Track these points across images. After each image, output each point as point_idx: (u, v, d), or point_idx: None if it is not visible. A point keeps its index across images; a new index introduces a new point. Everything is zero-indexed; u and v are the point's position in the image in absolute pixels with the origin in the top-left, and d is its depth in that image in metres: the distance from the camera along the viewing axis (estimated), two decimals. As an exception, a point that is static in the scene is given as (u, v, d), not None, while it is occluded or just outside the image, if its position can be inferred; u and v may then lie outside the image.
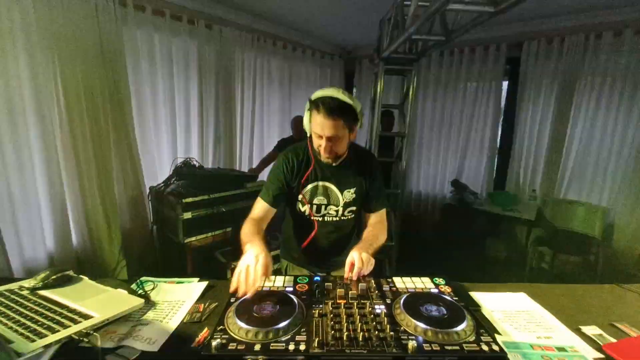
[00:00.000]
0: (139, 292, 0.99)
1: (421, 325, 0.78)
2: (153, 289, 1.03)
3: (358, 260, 1.04)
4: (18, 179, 1.88)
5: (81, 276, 0.91)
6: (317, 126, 1.12)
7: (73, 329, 0.71)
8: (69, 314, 0.76)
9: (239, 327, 0.77)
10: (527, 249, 3.00)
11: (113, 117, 2.27)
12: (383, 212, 1.36)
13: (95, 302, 0.79)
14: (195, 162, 2.51)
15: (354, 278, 1.04)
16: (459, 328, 0.78)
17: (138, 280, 1.06)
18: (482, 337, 0.77)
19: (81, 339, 0.69)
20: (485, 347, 0.74)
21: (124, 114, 2.31)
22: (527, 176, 3.32)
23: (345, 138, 1.17)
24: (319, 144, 1.16)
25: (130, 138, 2.37)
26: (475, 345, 0.74)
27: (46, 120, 1.96)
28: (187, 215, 2.18)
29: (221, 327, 0.79)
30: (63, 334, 0.69)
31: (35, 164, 1.96)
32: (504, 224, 3.28)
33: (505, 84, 3.45)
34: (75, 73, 2.04)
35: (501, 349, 0.74)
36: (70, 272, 0.90)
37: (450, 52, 3.49)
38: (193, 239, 2.22)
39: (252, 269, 0.90)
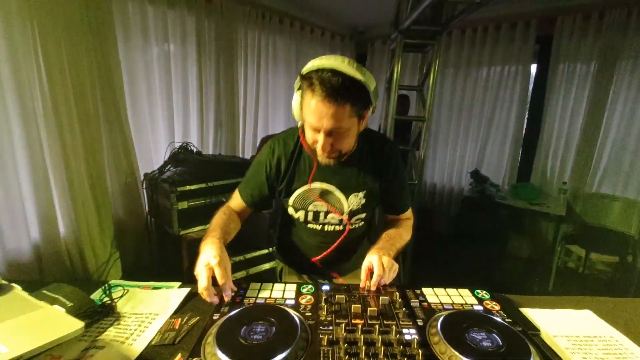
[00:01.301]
0: (103, 301, 0.79)
1: (472, 363, 0.56)
2: (122, 296, 0.83)
3: (378, 265, 0.82)
4: (-4, 163, 1.70)
5: (13, 284, 0.71)
6: (312, 115, 0.78)
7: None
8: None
9: (218, 361, 0.56)
10: (554, 247, 2.75)
11: (103, 97, 2.07)
12: (409, 210, 1.11)
13: (12, 327, 0.57)
14: (193, 147, 2.31)
15: (373, 288, 0.82)
16: (526, 369, 0.56)
17: (105, 285, 0.86)
18: (557, 383, 0.55)
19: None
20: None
21: (114, 94, 2.11)
22: (555, 167, 3.03)
23: (353, 130, 0.84)
24: (315, 140, 0.83)
25: (123, 120, 2.17)
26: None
27: (27, 100, 1.77)
28: (183, 204, 1.98)
29: (196, 358, 0.58)
30: None
31: (15, 147, 1.77)
32: (528, 219, 3.02)
33: (533, 66, 3.13)
34: (59, 49, 1.83)
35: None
36: (-3, 280, 0.70)
37: (472, 30, 3.18)
38: (189, 231, 2.03)
39: (201, 279, 0.75)
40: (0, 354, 0.47)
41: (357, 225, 1.04)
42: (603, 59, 2.71)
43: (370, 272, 0.83)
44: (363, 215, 1.02)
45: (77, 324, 0.59)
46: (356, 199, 0.98)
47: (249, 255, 2.17)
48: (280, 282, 1.24)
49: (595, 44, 2.73)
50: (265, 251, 2.23)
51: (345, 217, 0.99)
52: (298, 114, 0.88)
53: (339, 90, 0.75)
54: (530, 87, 3.17)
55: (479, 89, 3.31)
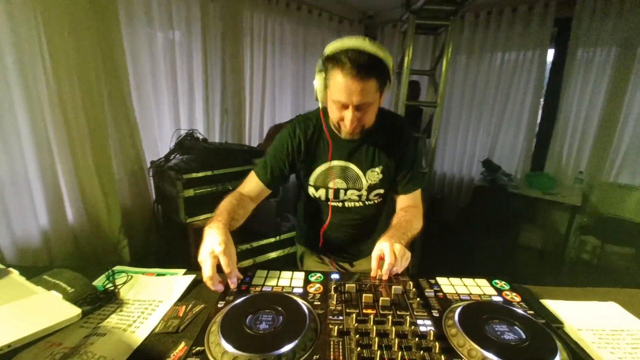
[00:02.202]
0: (107, 286, 0.77)
1: (493, 358, 0.52)
2: (125, 282, 0.81)
3: (389, 253, 0.78)
4: (2, 150, 1.69)
5: (10, 269, 0.69)
6: (341, 92, 0.83)
7: None
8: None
9: (223, 351, 0.53)
10: (568, 238, 2.67)
11: (107, 84, 2.03)
12: (417, 193, 1.07)
13: (4, 313, 0.54)
14: (199, 135, 2.28)
15: (384, 277, 0.78)
16: (553, 365, 0.52)
17: (109, 271, 0.84)
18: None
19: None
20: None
21: (119, 81, 2.07)
22: (571, 156, 2.93)
23: (375, 105, 0.91)
24: (341, 117, 0.89)
25: (128, 107, 2.14)
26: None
27: (31, 88, 1.74)
28: (189, 192, 1.96)
29: (200, 347, 0.56)
30: None
31: (21, 134, 1.76)
32: (541, 209, 2.94)
33: (550, 52, 2.99)
34: (63, 35, 1.79)
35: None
36: (-6, 264, 0.68)
37: (487, 13, 3.05)
38: (196, 218, 2.02)
39: (206, 267, 0.72)
40: (-10, 341, 0.44)
41: (376, 201, 1.09)
42: (626, 41, 2.57)
43: (381, 260, 0.80)
44: (382, 191, 1.06)
45: (74, 311, 0.56)
46: (373, 174, 1.03)
47: (255, 244, 2.16)
48: (301, 266, 1.26)
49: (618, 26, 2.59)
50: (272, 240, 2.21)
51: (364, 192, 1.04)
52: (322, 95, 0.91)
53: (366, 67, 0.81)
54: (547, 72, 3.04)
55: (493, 75, 3.19)
